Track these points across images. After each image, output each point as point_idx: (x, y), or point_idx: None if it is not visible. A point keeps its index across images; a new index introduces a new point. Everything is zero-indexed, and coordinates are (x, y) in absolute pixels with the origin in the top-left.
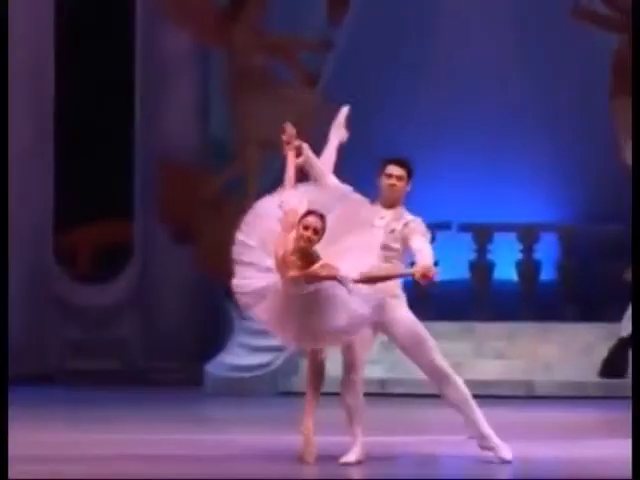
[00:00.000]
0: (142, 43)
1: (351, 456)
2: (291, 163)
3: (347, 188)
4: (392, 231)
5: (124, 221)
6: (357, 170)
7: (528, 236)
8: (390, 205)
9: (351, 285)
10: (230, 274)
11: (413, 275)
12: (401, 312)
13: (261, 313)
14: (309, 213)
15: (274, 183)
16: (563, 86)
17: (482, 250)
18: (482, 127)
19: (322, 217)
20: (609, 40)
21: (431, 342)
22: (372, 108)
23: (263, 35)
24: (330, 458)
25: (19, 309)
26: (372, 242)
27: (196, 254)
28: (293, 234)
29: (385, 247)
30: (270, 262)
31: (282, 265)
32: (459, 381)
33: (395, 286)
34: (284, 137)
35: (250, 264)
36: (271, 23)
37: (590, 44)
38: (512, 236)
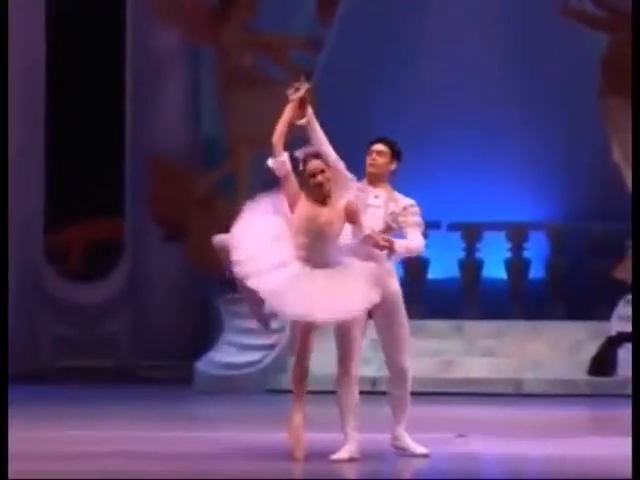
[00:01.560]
0: (132, 42)
1: (343, 453)
2: (288, 113)
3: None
4: (391, 213)
5: (115, 219)
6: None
7: (517, 235)
8: (373, 181)
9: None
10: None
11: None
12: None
13: (265, 284)
14: (306, 160)
15: (265, 181)
16: (552, 85)
17: (471, 249)
18: (470, 126)
19: (318, 154)
20: (598, 39)
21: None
22: (361, 106)
23: (253, 34)
24: (320, 455)
25: (11, 307)
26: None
27: (186, 252)
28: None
29: (386, 227)
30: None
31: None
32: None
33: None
34: (296, 86)
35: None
36: (261, 22)
37: (579, 43)
38: (501, 235)
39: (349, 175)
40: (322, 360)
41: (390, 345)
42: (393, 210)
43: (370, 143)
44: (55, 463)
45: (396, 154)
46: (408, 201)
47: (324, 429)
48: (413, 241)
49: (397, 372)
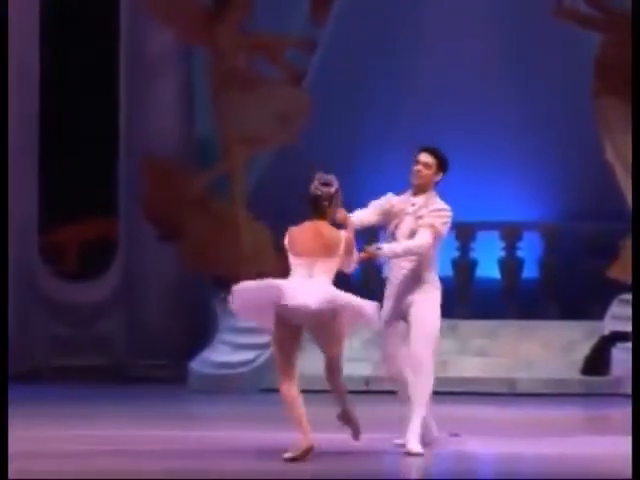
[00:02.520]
0: (127, 42)
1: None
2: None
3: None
4: (420, 217)
5: (109, 219)
6: (345, 169)
7: (511, 234)
8: (417, 191)
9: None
10: (214, 271)
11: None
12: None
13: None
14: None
15: (259, 181)
16: (546, 86)
17: (465, 248)
18: (465, 126)
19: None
20: (592, 40)
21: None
22: (357, 106)
23: (248, 34)
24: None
25: None
26: None
27: (181, 252)
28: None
29: (412, 233)
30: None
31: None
32: None
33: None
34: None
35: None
36: (256, 22)
37: (574, 44)
38: (495, 234)
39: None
40: (312, 361)
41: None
42: (422, 214)
43: (418, 150)
44: (51, 462)
45: (442, 165)
46: (438, 206)
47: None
48: (414, 241)
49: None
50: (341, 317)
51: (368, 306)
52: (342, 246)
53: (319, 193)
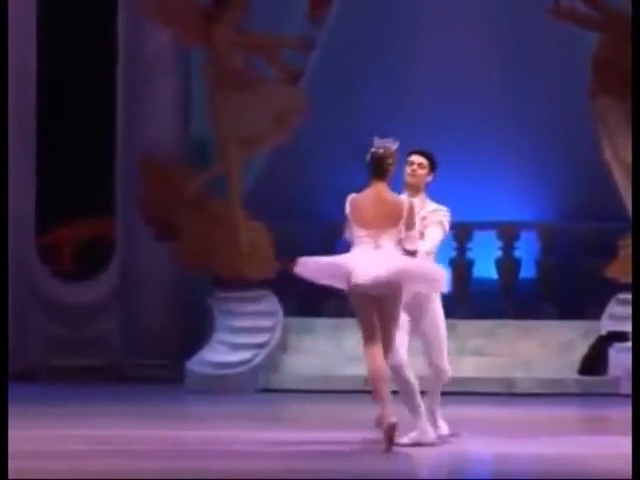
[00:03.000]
0: (124, 42)
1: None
2: None
3: None
4: (423, 218)
5: (106, 219)
6: (342, 169)
7: (508, 234)
8: (412, 192)
9: None
10: (211, 271)
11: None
12: None
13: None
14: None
15: (255, 181)
16: (543, 85)
17: (462, 248)
18: (462, 126)
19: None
20: (589, 39)
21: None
22: (353, 106)
23: (245, 34)
24: (305, 455)
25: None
26: None
27: (178, 251)
28: None
29: (420, 234)
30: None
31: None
32: None
33: None
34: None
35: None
36: (253, 22)
37: (570, 43)
38: (492, 234)
39: None
40: (309, 361)
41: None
42: (425, 216)
43: (409, 154)
44: (47, 462)
45: (434, 165)
46: (436, 206)
47: (314, 428)
48: (430, 239)
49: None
50: (409, 286)
51: (438, 271)
52: (405, 212)
53: (382, 152)
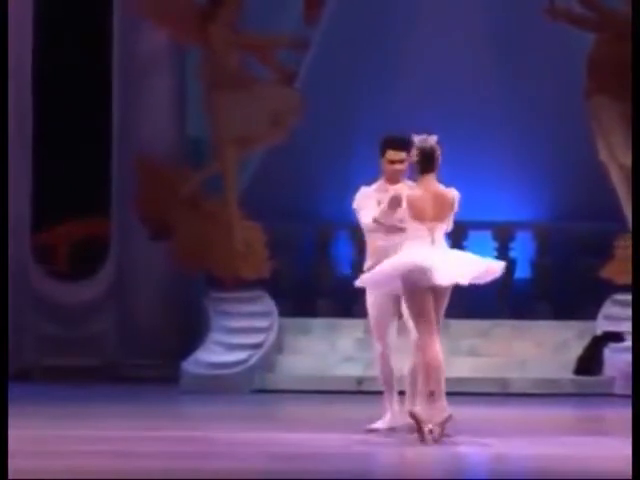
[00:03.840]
0: (120, 42)
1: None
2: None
3: None
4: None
5: (101, 219)
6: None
7: (503, 234)
8: (392, 180)
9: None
10: (206, 271)
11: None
12: None
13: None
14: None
15: (251, 180)
16: (538, 85)
17: (457, 248)
18: (457, 126)
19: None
20: (585, 39)
21: None
22: (348, 105)
23: (240, 34)
24: (297, 455)
25: None
26: None
27: (173, 251)
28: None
29: (402, 220)
30: None
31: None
32: None
33: None
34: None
35: None
36: (248, 22)
37: (565, 43)
38: (487, 234)
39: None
40: (304, 361)
41: None
42: None
43: (385, 146)
44: (40, 462)
45: (410, 150)
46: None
47: (310, 428)
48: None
49: None
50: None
51: (498, 266)
52: (455, 203)
53: (430, 146)
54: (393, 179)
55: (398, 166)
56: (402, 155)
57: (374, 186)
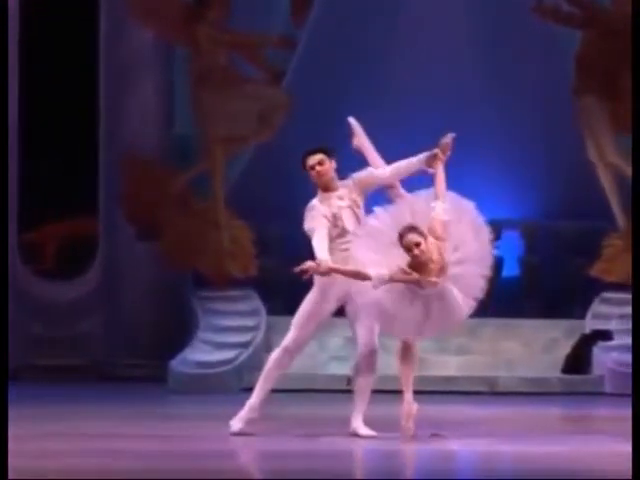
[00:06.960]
0: (106, 41)
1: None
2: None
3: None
4: (358, 206)
5: (89, 218)
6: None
7: (490, 232)
8: (328, 188)
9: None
10: (194, 270)
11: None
12: None
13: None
14: (402, 235)
15: (238, 179)
16: (526, 84)
17: None
18: (444, 125)
19: (414, 228)
20: (573, 38)
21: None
22: (336, 105)
23: (227, 33)
24: (287, 455)
25: None
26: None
27: (161, 250)
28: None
29: (361, 222)
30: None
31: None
32: None
33: None
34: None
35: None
36: (235, 21)
37: (554, 42)
38: None
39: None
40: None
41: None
42: (356, 200)
43: (304, 158)
44: (30, 461)
45: (330, 154)
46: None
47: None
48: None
49: None
50: None
51: None
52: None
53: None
54: (323, 185)
55: (318, 168)
56: (317, 157)
57: (317, 198)
